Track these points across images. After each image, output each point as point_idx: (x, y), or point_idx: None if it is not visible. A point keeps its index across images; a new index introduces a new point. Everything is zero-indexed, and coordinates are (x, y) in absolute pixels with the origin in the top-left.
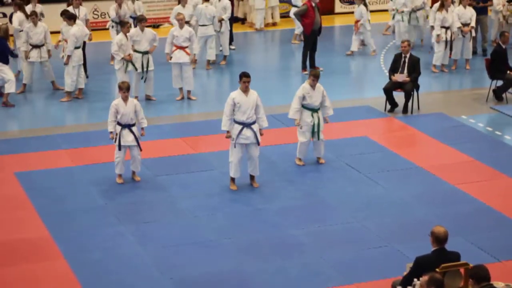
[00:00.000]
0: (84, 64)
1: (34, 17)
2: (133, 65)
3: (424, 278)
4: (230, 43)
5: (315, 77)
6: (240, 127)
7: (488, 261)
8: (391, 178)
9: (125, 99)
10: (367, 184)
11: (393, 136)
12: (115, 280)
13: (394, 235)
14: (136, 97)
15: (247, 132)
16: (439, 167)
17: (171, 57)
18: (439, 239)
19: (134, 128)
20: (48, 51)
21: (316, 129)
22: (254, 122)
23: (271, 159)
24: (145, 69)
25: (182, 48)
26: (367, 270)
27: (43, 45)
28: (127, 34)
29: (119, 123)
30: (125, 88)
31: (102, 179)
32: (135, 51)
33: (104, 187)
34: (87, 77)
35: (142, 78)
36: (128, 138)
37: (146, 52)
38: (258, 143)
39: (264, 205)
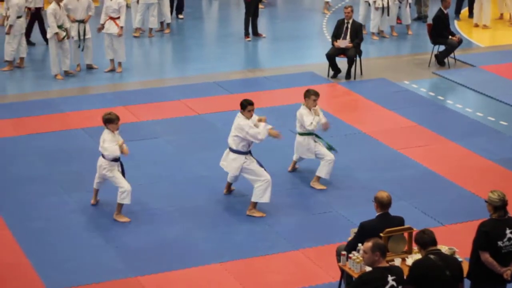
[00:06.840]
0: (27, 33)
1: None
2: (66, 32)
3: (367, 244)
4: (180, 13)
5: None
6: None
7: (431, 225)
8: (334, 144)
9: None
10: None
11: (336, 101)
12: (59, 249)
13: (338, 201)
14: (78, 65)
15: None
16: (382, 132)
17: (103, 27)
18: (383, 204)
19: None
20: None
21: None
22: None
23: (216, 126)
24: (81, 38)
25: (112, 18)
26: (312, 235)
27: None
28: (60, 3)
29: None
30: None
31: (46, 149)
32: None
33: (48, 157)
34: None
35: (79, 47)
36: None
37: (82, 21)
38: None
39: (208, 172)
